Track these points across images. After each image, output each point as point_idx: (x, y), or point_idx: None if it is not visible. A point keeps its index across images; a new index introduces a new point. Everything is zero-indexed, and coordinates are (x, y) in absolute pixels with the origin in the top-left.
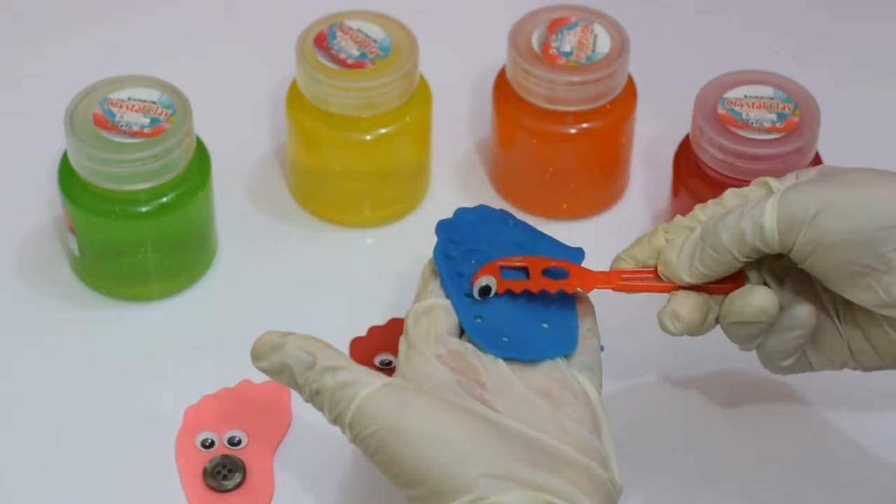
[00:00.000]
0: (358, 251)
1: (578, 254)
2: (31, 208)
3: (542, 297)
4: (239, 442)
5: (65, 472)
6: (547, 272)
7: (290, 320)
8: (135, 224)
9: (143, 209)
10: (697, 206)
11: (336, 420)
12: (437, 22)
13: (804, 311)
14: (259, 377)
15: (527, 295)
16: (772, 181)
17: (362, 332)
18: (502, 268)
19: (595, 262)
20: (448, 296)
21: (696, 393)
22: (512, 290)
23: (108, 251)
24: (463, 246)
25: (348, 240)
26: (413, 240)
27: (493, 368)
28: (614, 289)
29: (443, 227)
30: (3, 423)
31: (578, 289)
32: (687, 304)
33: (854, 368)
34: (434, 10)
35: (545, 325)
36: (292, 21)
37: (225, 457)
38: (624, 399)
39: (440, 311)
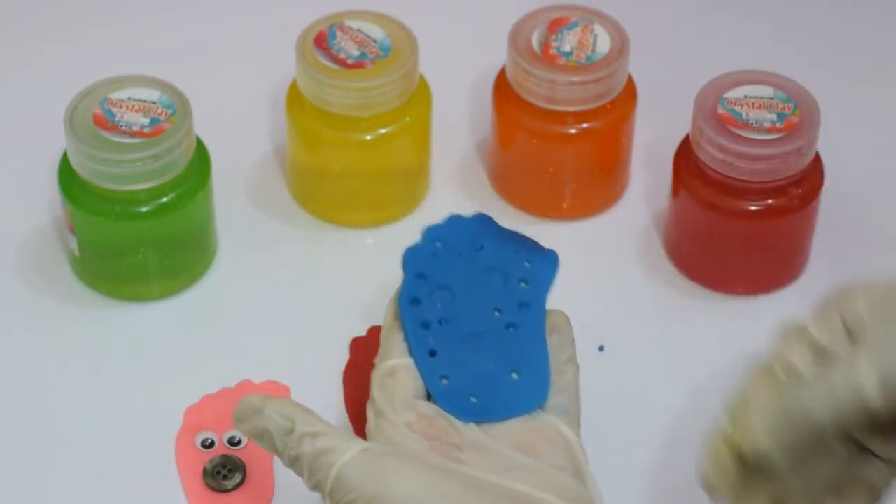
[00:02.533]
0: (358, 251)
1: (552, 258)
2: (31, 208)
3: (510, 338)
4: (239, 442)
5: (65, 472)
6: None
7: (291, 320)
8: (135, 224)
9: (143, 209)
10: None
11: (316, 487)
12: (437, 22)
13: None
14: (259, 377)
15: (493, 338)
16: (816, 333)
17: (362, 332)
18: None
19: (595, 261)
20: (411, 354)
21: (697, 391)
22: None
23: (108, 251)
24: (430, 282)
25: (348, 240)
26: (413, 240)
27: (467, 429)
28: None
29: (410, 259)
30: (3, 423)
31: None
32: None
33: None
34: (434, 10)
35: (515, 376)
36: (292, 21)
37: (225, 457)
38: (624, 398)
39: (405, 373)
